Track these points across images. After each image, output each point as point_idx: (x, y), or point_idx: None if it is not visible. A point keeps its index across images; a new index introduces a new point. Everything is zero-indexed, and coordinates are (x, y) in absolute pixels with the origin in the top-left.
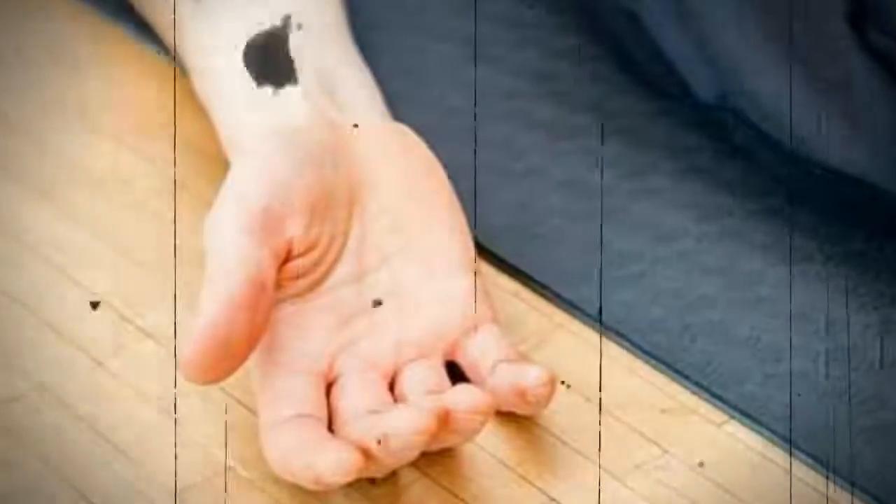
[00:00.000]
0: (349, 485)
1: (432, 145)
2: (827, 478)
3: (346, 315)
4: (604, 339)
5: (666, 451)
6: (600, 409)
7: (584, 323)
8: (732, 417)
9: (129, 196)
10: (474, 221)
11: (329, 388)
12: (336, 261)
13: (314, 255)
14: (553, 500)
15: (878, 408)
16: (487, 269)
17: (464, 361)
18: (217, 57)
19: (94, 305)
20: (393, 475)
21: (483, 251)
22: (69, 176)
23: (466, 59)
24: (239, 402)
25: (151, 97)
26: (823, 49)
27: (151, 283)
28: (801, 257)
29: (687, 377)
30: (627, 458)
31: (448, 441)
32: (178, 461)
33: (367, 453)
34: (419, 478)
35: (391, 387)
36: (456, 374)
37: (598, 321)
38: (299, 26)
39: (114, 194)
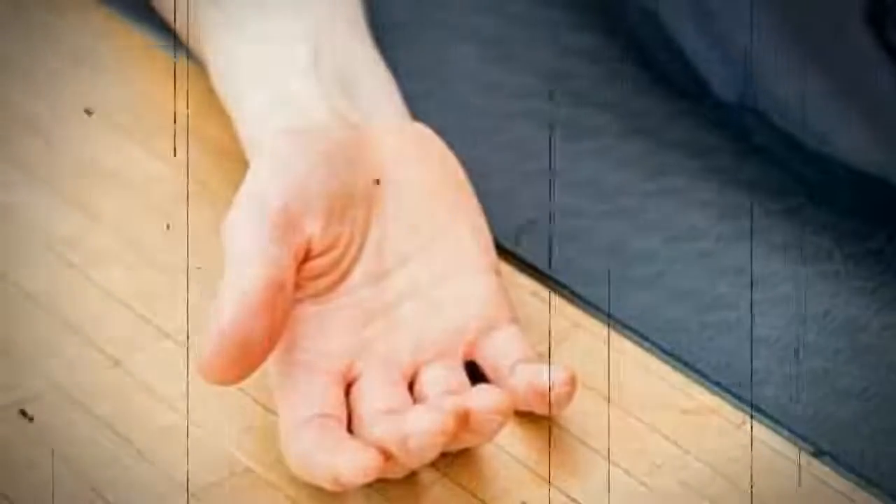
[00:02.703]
0: (368, 485)
1: (451, 145)
2: (846, 477)
3: (365, 315)
4: (622, 340)
5: (686, 452)
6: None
7: (604, 323)
8: (752, 417)
9: (148, 196)
10: (494, 221)
11: (348, 388)
12: (355, 261)
13: (333, 254)
14: (572, 499)
15: None
16: (506, 269)
17: (483, 362)
18: (235, 55)
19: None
20: (412, 475)
21: (502, 251)
22: (88, 176)
23: (485, 59)
24: (257, 402)
25: (171, 98)
26: (843, 48)
27: (169, 283)
28: (820, 257)
29: (706, 377)
30: (647, 459)
31: (468, 441)
32: (195, 461)
33: (386, 454)
34: (439, 478)
35: (410, 387)
36: (475, 374)
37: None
38: None
39: (133, 194)
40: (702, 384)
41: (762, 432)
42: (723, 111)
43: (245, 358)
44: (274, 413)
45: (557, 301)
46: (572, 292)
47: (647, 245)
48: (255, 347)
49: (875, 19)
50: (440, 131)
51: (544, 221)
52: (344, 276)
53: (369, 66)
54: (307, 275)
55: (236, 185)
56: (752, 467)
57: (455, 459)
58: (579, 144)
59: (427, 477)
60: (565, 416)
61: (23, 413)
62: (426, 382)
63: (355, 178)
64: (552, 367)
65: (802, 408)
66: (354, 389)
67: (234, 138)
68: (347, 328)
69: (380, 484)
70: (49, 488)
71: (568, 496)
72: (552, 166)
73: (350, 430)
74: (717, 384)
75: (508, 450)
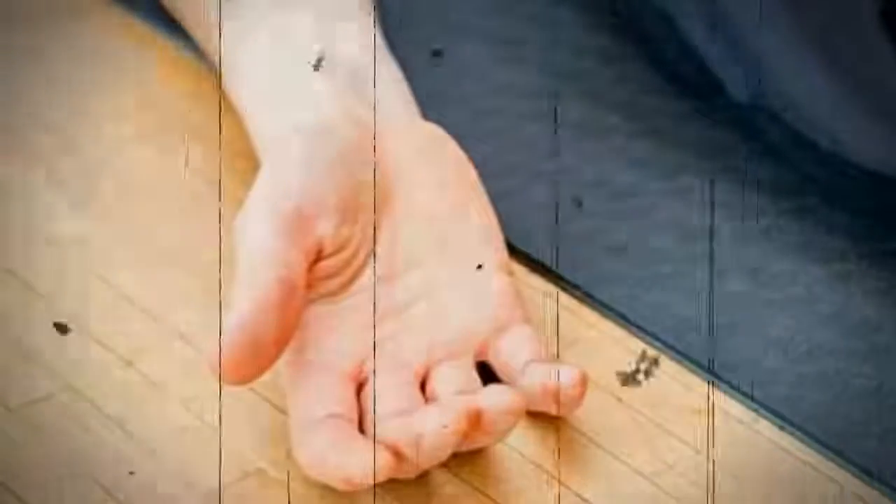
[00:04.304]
0: (380, 485)
1: (462, 145)
2: (859, 477)
3: (377, 315)
4: (634, 340)
5: (697, 452)
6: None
7: (615, 323)
8: (765, 417)
9: (161, 196)
10: (506, 221)
11: (360, 388)
12: (367, 261)
13: (345, 254)
14: (584, 500)
15: None
16: (518, 270)
17: (495, 362)
18: (247, 56)
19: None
20: (424, 475)
21: (514, 251)
22: (101, 176)
23: (497, 59)
24: (269, 402)
25: (184, 98)
26: (857, 48)
27: (182, 284)
28: (834, 257)
29: (719, 377)
30: (658, 459)
31: (479, 441)
32: (207, 462)
33: (398, 454)
34: (450, 478)
35: (422, 387)
36: (487, 374)
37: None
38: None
39: (145, 194)
40: (715, 384)
41: (774, 432)
42: (735, 111)
43: (257, 358)
44: (286, 413)
45: (569, 301)
46: (584, 292)
47: (660, 245)
48: (267, 347)
49: (889, 20)
50: (451, 131)
51: (556, 221)
52: (355, 277)
53: (381, 65)
54: (319, 275)
55: (248, 185)
56: (764, 467)
57: (467, 459)
58: (591, 144)
59: (439, 477)
60: (577, 417)
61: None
62: (438, 382)
63: (367, 178)
64: (564, 367)
65: (815, 408)
66: (366, 389)
67: (245, 138)
68: (359, 328)
69: (391, 484)
70: (60, 488)
71: (579, 496)
72: (564, 166)
73: (361, 430)
74: (730, 384)
75: (520, 450)
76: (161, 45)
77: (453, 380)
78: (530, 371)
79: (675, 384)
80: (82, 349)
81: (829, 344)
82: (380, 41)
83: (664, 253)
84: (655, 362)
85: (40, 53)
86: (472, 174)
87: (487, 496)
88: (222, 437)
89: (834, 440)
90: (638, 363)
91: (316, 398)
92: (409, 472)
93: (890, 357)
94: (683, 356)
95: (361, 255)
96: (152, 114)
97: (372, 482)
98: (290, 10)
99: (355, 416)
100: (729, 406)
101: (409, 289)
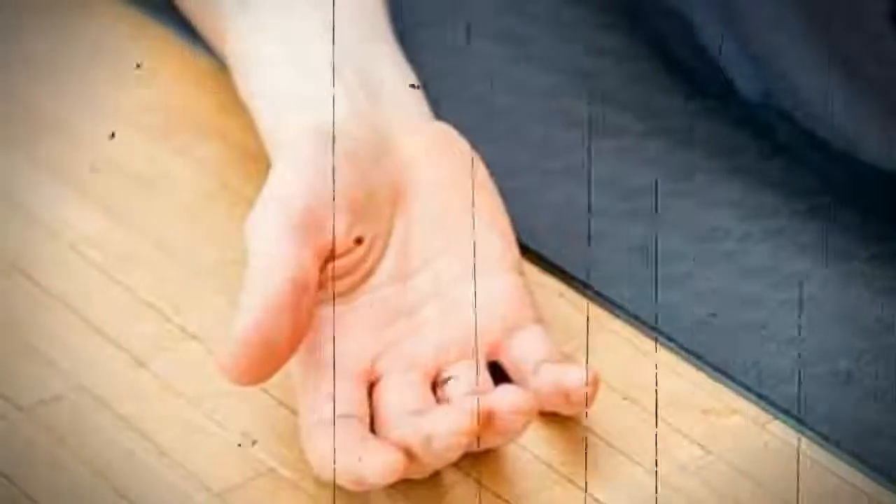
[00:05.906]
0: (391, 486)
1: (474, 144)
2: (871, 478)
3: (388, 315)
4: (646, 340)
5: (709, 452)
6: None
7: (627, 323)
8: (776, 418)
9: (174, 197)
10: (517, 221)
11: (371, 388)
12: (378, 261)
13: (356, 255)
14: (596, 500)
15: None
16: (530, 269)
17: (507, 362)
18: (259, 55)
19: None
20: (435, 476)
21: (526, 251)
22: (113, 177)
23: (509, 58)
24: (280, 402)
25: (196, 97)
26: (867, 48)
27: (195, 284)
28: (845, 257)
29: (731, 377)
30: (671, 459)
31: (491, 442)
32: (219, 462)
33: (409, 454)
34: (462, 478)
35: (434, 387)
36: (499, 374)
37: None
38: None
39: (158, 195)
40: (726, 384)
41: (787, 433)
42: (747, 110)
43: (269, 358)
44: (297, 413)
45: (581, 301)
46: (595, 292)
47: (672, 245)
48: (279, 348)
49: None
50: (463, 130)
51: (568, 221)
52: (367, 277)
53: (392, 65)
54: (331, 275)
55: (259, 185)
56: (775, 468)
57: (479, 460)
58: (603, 143)
59: (450, 477)
60: (589, 417)
61: None
62: (449, 383)
63: (378, 179)
64: (575, 367)
65: (827, 408)
66: (377, 390)
67: (257, 138)
68: (370, 328)
69: (403, 484)
70: (72, 488)
71: (591, 496)
72: (582, 165)
73: (373, 430)
74: (742, 384)
75: (532, 450)
76: (173, 44)
77: (465, 380)
78: (542, 371)
79: (687, 384)
80: (94, 349)
81: (842, 344)
82: (391, 41)
83: (676, 253)
84: None
85: (47, 52)
86: (484, 173)
87: (499, 496)
88: (234, 437)
89: (847, 441)
90: None
91: (327, 398)
92: (421, 473)
93: None
94: (695, 356)
95: (373, 256)
96: (162, 113)
97: (384, 483)
98: (301, 11)
99: (367, 417)
100: (741, 406)
101: (420, 289)
